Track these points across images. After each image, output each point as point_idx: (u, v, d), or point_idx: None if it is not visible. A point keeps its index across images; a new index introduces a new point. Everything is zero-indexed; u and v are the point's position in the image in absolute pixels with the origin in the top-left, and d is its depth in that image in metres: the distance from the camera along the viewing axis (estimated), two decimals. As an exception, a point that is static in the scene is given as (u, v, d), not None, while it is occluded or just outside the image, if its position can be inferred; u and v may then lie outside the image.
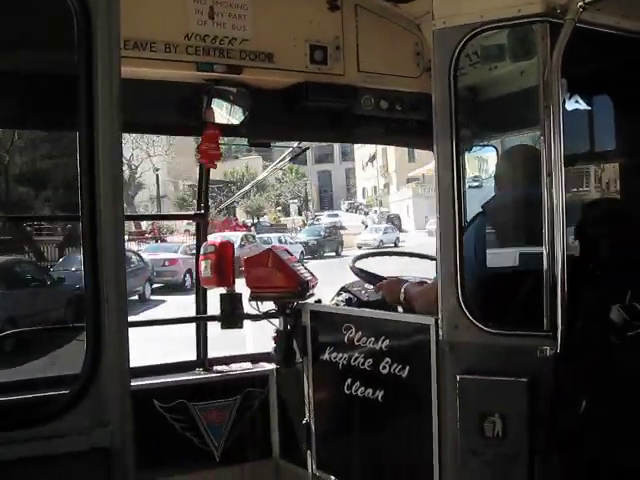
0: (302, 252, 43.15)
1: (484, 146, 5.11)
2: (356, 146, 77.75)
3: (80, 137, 2.34)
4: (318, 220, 71.81)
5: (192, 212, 5.39)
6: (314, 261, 39.04)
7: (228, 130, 4.63)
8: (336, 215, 79.17)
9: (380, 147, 74.21)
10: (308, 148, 5.56)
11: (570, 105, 4.18)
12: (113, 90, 2.37)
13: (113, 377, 2.29)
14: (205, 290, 4.97)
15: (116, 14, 2.42)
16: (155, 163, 63.04)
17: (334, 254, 49.57)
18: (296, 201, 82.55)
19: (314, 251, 48.56)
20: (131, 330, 2.42)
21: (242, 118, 4.50)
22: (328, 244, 51.92)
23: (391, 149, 74.05)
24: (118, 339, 2.29)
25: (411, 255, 5.69)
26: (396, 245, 54.00)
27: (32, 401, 2.67)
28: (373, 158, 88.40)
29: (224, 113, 4.47)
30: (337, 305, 4.67)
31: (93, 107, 2.32)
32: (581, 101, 4.35)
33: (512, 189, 4.10)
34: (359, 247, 49.94)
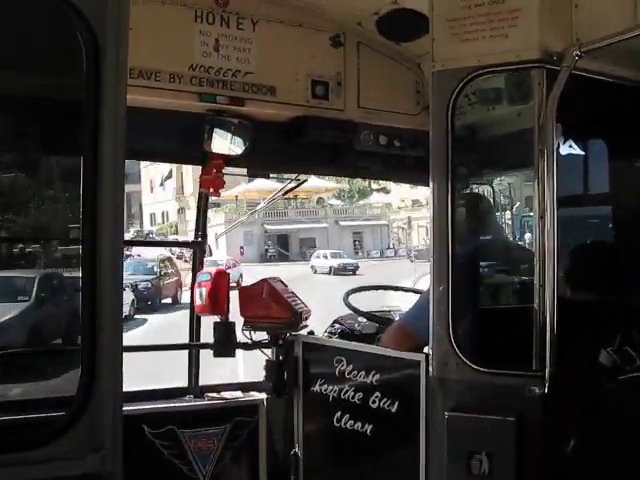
0: (133, 302, 28.76)
1: (480, 184, 5.18)
2: (143, 164, 67.15)
3: (84, 162, 2.39)
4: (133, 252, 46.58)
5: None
6: (153, 318, 26.49)
7: (229, 160, 4.69)
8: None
9: (175, 166, 64.04)
10: (306, 180, 5.62)
11: (564, 149, 4.27)
12: (118, 118, 2.43)
13: (106, 403, 2.30)
14: (199, 318, 4.99)
15: (124, 46, 2.48)
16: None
17: (170, 301, 33.95)
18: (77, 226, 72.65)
19: (146, 299, 31.48)
20: None
21: (243, 149, 4.57)
22: (164, 287, 34.74)
23: (188, 168, 62.88)
24: (112, 367, 2.31)
25: (406, 290, 5.72)
26: (238, 284, 26.39)
27: (24, 423, 2.68)
28: (167, 178, 77.07)
29: (225, 143, 4.55)
30: (329, 337, 4.70)
31: (98, 133, 2.37)
32: (575, 145, 4.43)
33: (472, 236, 4.15)
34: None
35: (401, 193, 76.07)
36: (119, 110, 2.43)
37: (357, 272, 51.91)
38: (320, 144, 4.83)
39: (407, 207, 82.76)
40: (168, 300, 34.22)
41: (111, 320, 2.32)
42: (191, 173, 71.64)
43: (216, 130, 4.51)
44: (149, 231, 75.90)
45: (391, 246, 77.85)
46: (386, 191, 79.54)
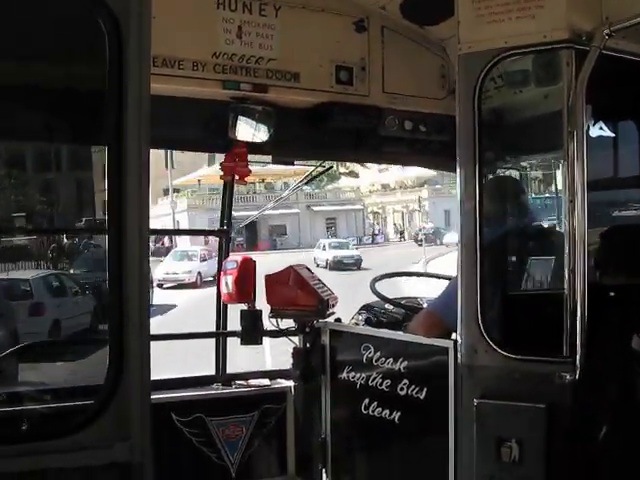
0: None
1: (507, 169, 5.11)
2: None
3: (109, 151, 2.38)
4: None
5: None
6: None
7: (253, 148, 4.68)
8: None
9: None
10: (332, 167, 5.59)
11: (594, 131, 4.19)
12: (142, 107, 2.42)
13: (134, 393, 2.30)
14: (226, 306, 5.00)
15: (147, 34, 2.47)
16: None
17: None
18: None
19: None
20: None
21: (267, 136, 4.54)
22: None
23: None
24: (140, 356, 2.31)
25: (433, 276, 5.69)
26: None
27: (52, 412, 2.69)
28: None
29: (249, 131, 4.53)
30: (357, 324, 4.68)
31: (122, 123, 2.37)
32: (605, 127, 4.34)
33: (500, 220, 4.08)
34: (160, 285, 33.04)
35: (370, 177, 72.03)
36: (143, 99, 2.42)
37: (362, 266, 43.31)
38: (345, 130, 4.79)
39: (378, 191, 79.84)
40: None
41: (138, 309, 2.32)
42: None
43: (240, 117, 4.49)
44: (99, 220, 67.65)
45: (377, 232, 74.39)
46: (355, 175, 74.24)
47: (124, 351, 2.28)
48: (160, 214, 57.73)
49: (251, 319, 4.64)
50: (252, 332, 4.66)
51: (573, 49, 3.35)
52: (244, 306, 4.69)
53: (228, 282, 4.57)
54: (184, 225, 57.05)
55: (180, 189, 64.22)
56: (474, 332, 3.47)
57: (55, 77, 2.78)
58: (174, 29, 4.02)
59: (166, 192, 63.02)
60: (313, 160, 5.70)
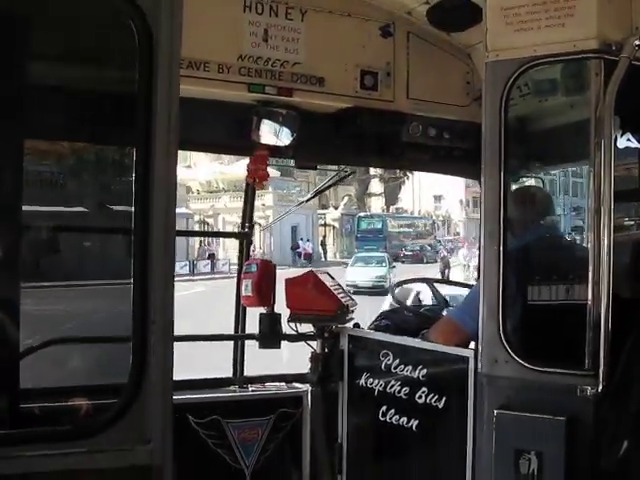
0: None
1: (530, 177, 5.07)
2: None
3: (137, 154, 2.38)
4: None
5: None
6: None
7: (276, 151, 4.67)
8: None
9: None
10: (355, 172, 5.58)
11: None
12: (172, 109, 2.41)
13: (156, 395, 2.29)
14: (245, 309, 5.00)
15: (177, 35, 2.47)
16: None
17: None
18: None
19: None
20: None
21: (290, 140, 4.54)
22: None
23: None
24: (163, 359, 2.30)
25: (456, 284, 5.66)
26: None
27: (73, 412, 2.69)
28: None
29: (273, 134, 4.53)
30: (376, 331, 4.66)
31: (151, 125, 2.36)
32: (633, 138, 4.30)
33: (526, 230, 4.03)
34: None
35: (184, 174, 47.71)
36: (172, 100, 2.41)
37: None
38: (368, 135, 4.78)
39: (202, 193, 58.89)
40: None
41: (162, 311, 2.31)
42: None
43: (264, 121, 4.49)
44: None
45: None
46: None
47: (147, 354, 2.27)
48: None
49: (270, 323, 4.64)
50: (271, 336, 4.66)
51: (602, 59, 3.32)
52: (263, 309, 4.69)
53: (248, 285, 4.57)
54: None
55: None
56: (495, 342, 3.44)
57: (83, 77, 2.78)
58: (200, 31, 4.02)
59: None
60: (336, 165, 5.69)
